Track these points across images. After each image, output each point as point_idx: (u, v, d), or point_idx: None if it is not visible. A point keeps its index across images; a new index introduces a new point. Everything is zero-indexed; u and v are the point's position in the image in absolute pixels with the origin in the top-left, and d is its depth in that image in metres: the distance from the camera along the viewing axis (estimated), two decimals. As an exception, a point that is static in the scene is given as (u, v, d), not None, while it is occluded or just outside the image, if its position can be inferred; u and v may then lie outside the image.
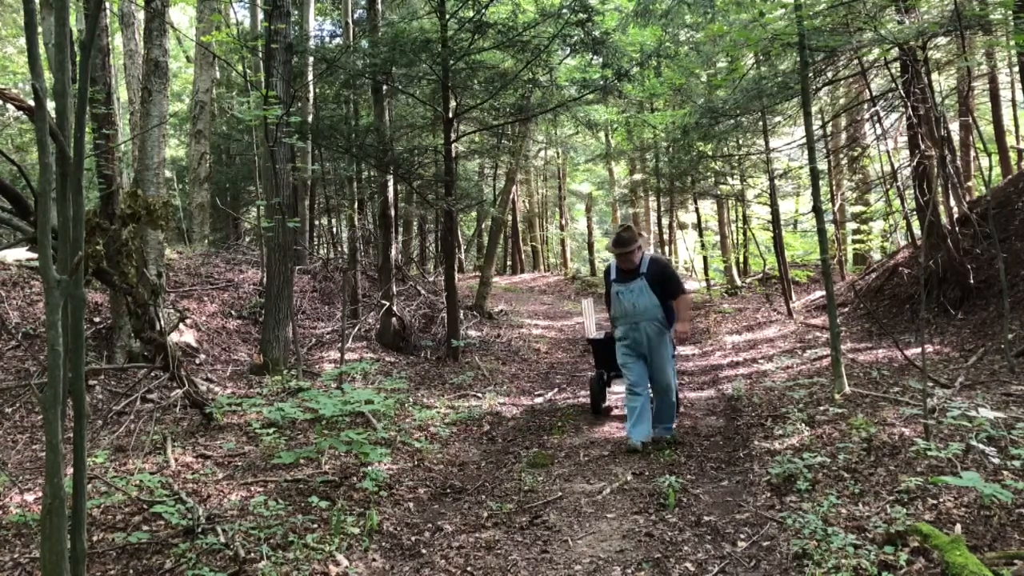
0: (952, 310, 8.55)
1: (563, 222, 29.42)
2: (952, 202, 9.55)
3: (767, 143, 14.01)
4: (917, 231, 10.73)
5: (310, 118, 12.01)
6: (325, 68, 10.51)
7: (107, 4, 12.42)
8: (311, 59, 11.58)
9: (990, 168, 8.25)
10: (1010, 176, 11.64)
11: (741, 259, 20.59)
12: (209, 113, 13.96)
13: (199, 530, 3.90)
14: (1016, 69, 12.14)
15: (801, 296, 14.91)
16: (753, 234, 18.81)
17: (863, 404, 5.84)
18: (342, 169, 13.35)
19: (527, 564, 3.75)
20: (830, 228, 14.80)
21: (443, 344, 10.61)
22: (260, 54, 10.05)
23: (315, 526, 4.14)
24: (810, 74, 8.01)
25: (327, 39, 16.73)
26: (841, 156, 15.13)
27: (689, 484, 4.86)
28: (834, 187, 15.09)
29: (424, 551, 3.99)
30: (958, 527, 3.44)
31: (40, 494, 4.35)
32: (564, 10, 9.33)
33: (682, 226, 24.07)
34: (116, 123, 7.89)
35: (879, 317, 9.80)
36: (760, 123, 13.21)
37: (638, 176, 22.63)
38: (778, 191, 15.59)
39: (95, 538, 3.94)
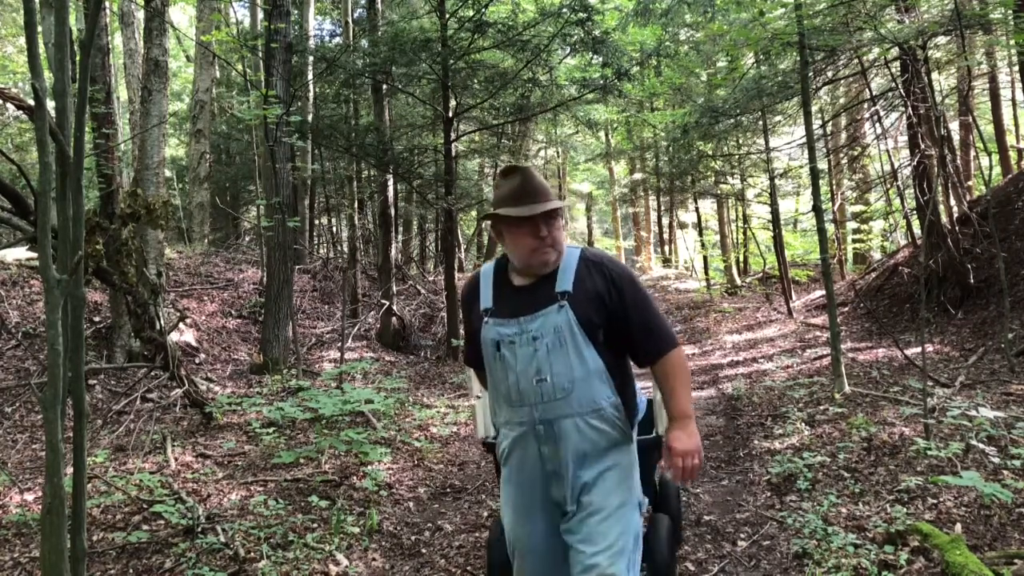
0: (952, 309, 8.55)
1: (563, 221, 29.42)
2: (952, 201, 9.55)
3: (767, 142, 14.01)
4: (917, 230, 10.73)
5: (310, 117, 12.01)
6: (325, 67, 10.51)
7: (107, 3, 12.41)
8: (311, 58, 11.58)
9: (990, 167, 8.26)
10: (1010, 175, 11.63)
11: (741, 258, 20.58)
12: (209, 112, 13.95)
13: (199, 529, 3.90)
14: (1016, 68, 12.13)
15: (801, 295, 14.91)
16: (753, 233, 18.80)
17: (863, 403, 5.84)
18: (342, 168, 13.35)
19: (527, 563, 3.75)
20: (830, 227, 14.78)
21: (443, 343, 10.61)
22: (260, 53, 10.04)
23: (315, 526, 4.14)
24: (810, 73, 8.01)
25: (327, 38, 16.72)
26: (841, 155, 15.12)
27: (689, 484, 4.86)
28: (834, 186, 15.09)
29: (424, 551, 3.99)
30: (958, 526, 3.44)
31: (40, 493, 4.35)
32: (564, 9, 9.32)
33: (682, 225, 24.06)
34: (116, 122, 7.89)
35: (879, 316, 9.80)
36: (760, 122, 13.20)
37: (638, 175, 22.63)
38: (778, 190, 15.59)
39: (95, 537, 3.94)
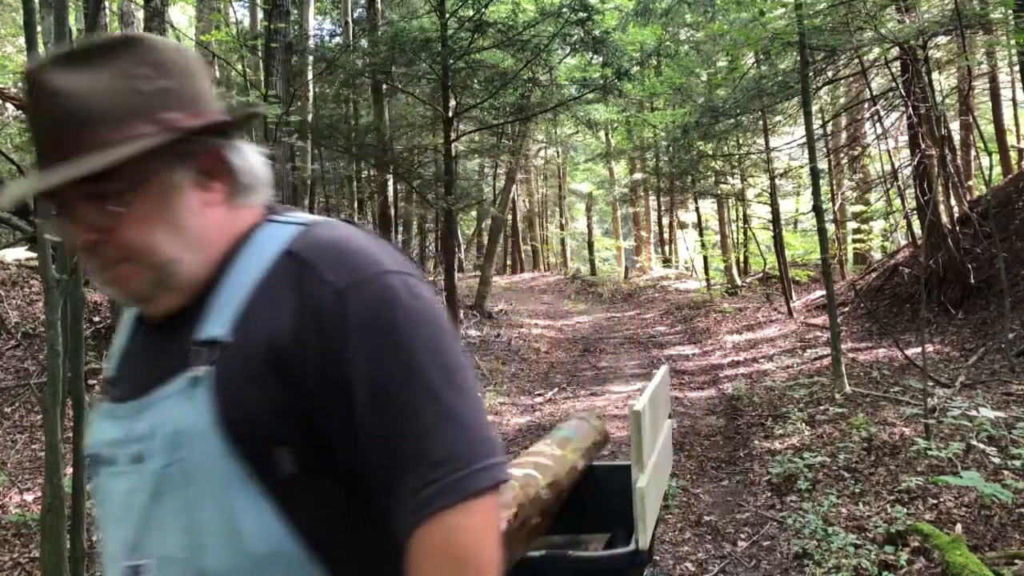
0: (952, 309, 8.55)
1: (563, 221, 29.42)
2: (953, 201, 9.55)
3: (767, 142, 14.00)
4: (917, 230, 10.73)
5: (310, 117, 12.00)
6: (325, 67, 10.50)
7: (107, 3, 12.41)
8: (311, 58, 11.57)
9: (990, 167, 8.26)
10: (1010, 175, 11.63)
11: (741, 258, 20.56)
12: (209, 112, 13.94)
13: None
14: (1016, 68, 12.13)
15: (801, 295, 14.90)
16: (753, 233, 18.79)
17: (863, 404, 5.84)
18: (342, 168, 13.34)
19: (527, 564, 3.75)
20: (830, 227, 14.77)
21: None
22: (260, 53, 10.04)
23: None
24: (810, 73, 8.00)
25: (327, 38, 16.71)
26: (841, 155, 15.12)
27: (689, 484, 4.85)
28: (834, 186, 15.08)
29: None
30: (958, 527, 3.44)
31: (39, 494, 4.34)
32: (564, 9, 9.32)
33: (682, 225, 24.05)
34: (116, 122, 7.88)
35: (879, 316, 9.79)
36: (760, 122, 13.19)
37: (638, 175, 22.63)
38: (778, 190, 15.58)
39: (95, 537, 3.94)
